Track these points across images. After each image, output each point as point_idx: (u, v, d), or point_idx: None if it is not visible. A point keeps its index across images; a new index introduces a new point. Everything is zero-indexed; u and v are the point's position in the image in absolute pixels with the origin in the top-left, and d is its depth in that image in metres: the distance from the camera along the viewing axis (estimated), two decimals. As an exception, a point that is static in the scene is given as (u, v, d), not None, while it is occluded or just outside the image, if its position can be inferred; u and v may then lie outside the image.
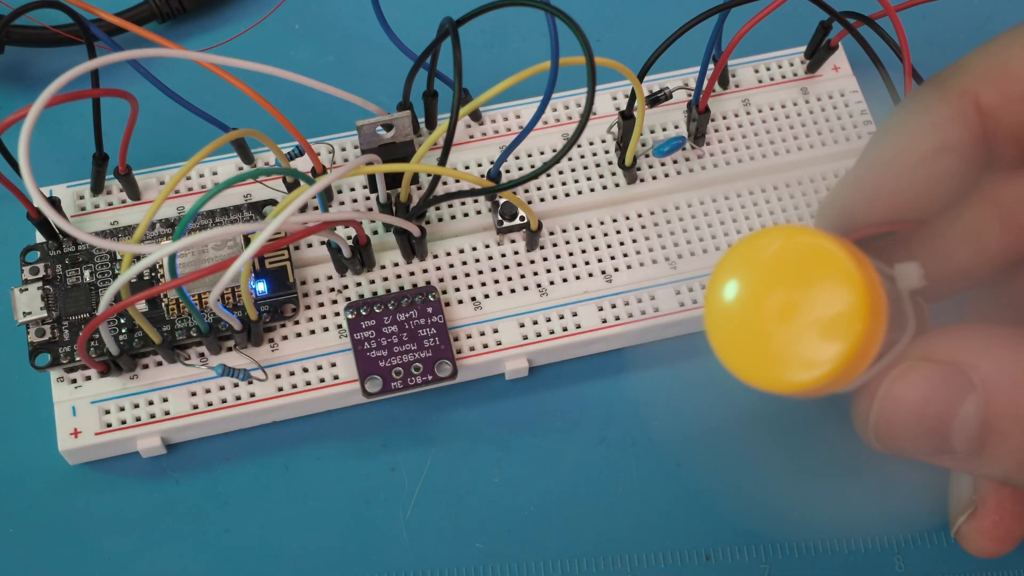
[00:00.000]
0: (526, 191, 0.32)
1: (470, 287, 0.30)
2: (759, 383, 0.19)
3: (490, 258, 0.31)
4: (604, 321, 0.30)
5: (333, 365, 0.29)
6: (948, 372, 0.20)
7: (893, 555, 0.29)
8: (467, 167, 0.32)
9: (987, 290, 0.26)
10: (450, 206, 0.31)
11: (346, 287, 0.30)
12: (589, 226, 0.31)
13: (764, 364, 0.19)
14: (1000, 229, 0.23)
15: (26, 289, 0.29)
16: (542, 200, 0.32)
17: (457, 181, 0.31)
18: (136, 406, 0.29)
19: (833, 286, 0.18)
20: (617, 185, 0.32)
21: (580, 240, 0.31)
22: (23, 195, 0.28)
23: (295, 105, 0.32)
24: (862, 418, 0.21)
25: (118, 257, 0.30)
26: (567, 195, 0.32)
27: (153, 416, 0.29)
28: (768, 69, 0.34)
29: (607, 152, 0.32)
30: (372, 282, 0.30)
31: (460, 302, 0.30)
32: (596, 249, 0.31)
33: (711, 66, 0.30)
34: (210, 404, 0.29)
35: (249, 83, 0.27)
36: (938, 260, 0.23)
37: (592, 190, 0.32)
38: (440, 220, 0.31)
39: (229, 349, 0.29)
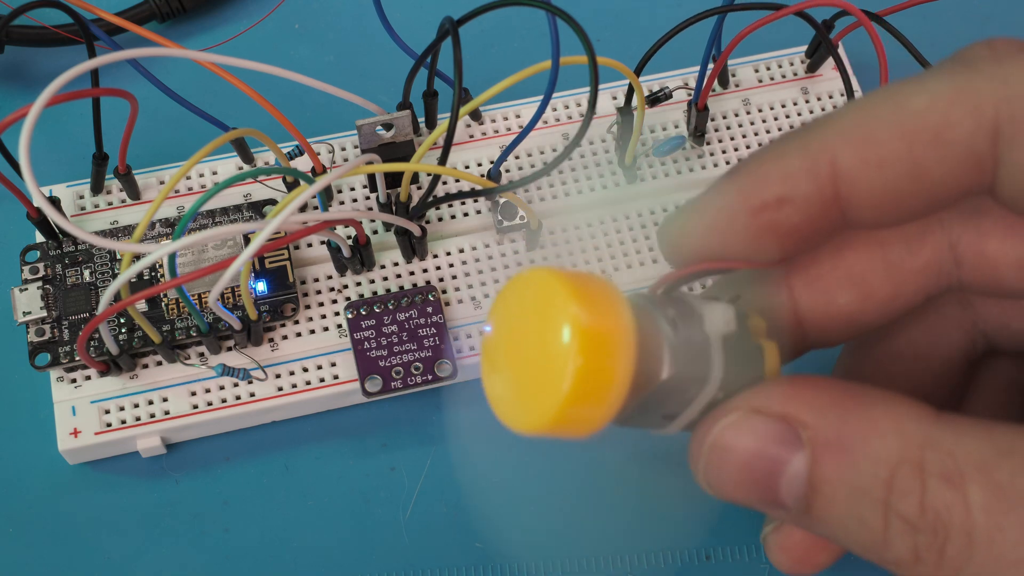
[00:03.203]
0: (526, 191, 0.32)
1: (470, 287, 0.30)
2: (509, 424, 0.18)
3: (490, 258, 0.31)
4: (604, 321, 0.30)
5: (333, 365, 0.29)
6: (778, 427, 0.19)
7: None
8: (467, 167, 0.32)
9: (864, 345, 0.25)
10: (450, 206, 0.31)
11: (346, 287, 0.30)
12: (589, 226, 0.31)
13: (511, 406, 0.18)
14: (885, 274, 0.22)
15: (26, 289, 0.29)
16: (542, 200, 0.32)
17: (457, 181, 0.31)
18: (136, 406, 0.29)
19: (556, 327, 0.17)
20: (617, 185, 0.32)
21: (580, 240, 0.31)
22: (23, 195, 0.28)
23: (295, 105, 0.32)
24: (694, 462, 0.21)
25: (118, 257, 0.30)
26: (567, 195, 0.32)
27: (153, 416, 0.29)
28: (768, 69, 0.34)
29: (607, 152, 0.32)
30: (372, 282, 0.30)
31: (460, 302, 0.30)
32: (596, 249, 0.31)
33: (711, 65, 0.30)
34: (210, 404, 0.29)
35: (249, 83, 0.27)
36: (820, 301, 0.22)
37: (592, 190, 0.32)
38: (440, 220, 0.31)
39: (229, 349, 0.29)
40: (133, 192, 0.31)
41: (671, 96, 0.33)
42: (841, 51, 0.34)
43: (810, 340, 0.23)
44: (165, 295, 0.29)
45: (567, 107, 0.33)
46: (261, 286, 0.30)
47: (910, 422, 0.19)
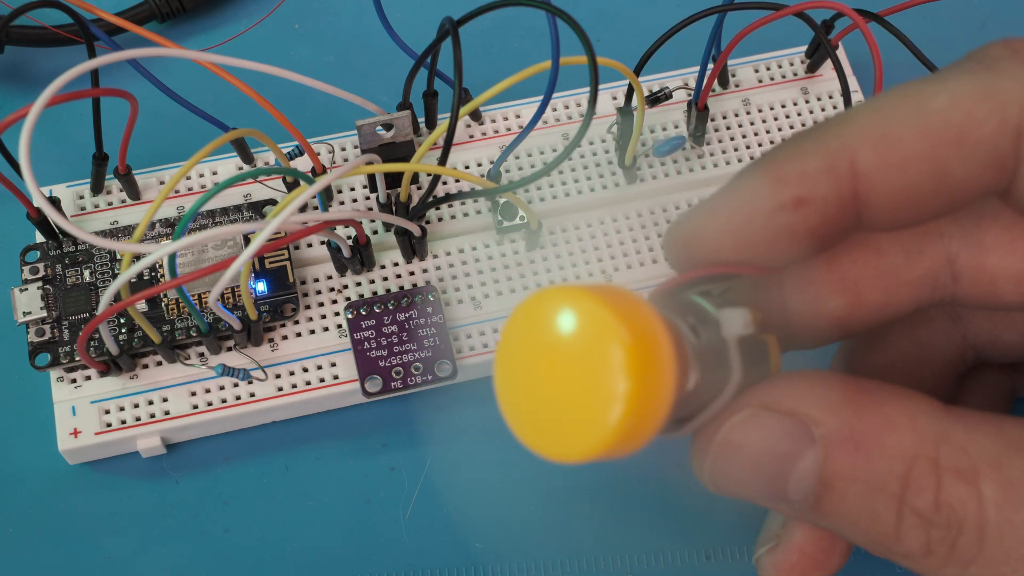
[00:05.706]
0: (526, 191, 0.32)
1: (470, 287, 0.30)
2: (547, 454, 0.18)
3: (490, 258, 0.31)
4: (604, 321, 0.30)
5: (333, 365, 0.29)
6: (789, 424, 0.19)
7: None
8: (467, 167, 0.32)
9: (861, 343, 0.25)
10: (450, 206, 0.31)
11: (346, 287, 0.30)
12: (589, 226, 0.31)
13: (548, 435, 0.18)
14: (879, 282, 0.22)
15: (26, 289, 0.29)
16: (542, 200, 0.32)
17: (457, 181, 0.31)
18: (136, 406, 0.29)
19: (599, 350, 0.17)
20: (617, 185, 0.32)
21: (580, 240, 0.31)
22: (23, 195, 0.28)
23: (295, 105, 0.32)
24: (698, 460, 0.20)
25: (118, 257, 0.30)
26: (567, 195, 0.32)
27: (153, 416, 0.29)
28: (768, 69, 0.34)
29: (607, 152, 0.32)
30: (372, 282, 0.30)
31: (460, 302, 0.30)
32: (596, 249, 0.31)
33: (711, 65, 0.31)
34: (210, 404, 0.29)
35: (249, 83, 0.27)
36: (811, 303, 0.22)
37: (592, 190, 0.32)
38: (440, 220, 0.31)
39: (229, 349, 0.29)
40: (133, 192, 0.31)
41: (671, 96, 0.33)
42: (841, 51, 0.34)
43: (794, 340, 0.23)
44: (165, 295, 0.29)
45: (567, 107, 0.33)
46: (261, 286, 0.30)
47: (922, 417, 0.19)
